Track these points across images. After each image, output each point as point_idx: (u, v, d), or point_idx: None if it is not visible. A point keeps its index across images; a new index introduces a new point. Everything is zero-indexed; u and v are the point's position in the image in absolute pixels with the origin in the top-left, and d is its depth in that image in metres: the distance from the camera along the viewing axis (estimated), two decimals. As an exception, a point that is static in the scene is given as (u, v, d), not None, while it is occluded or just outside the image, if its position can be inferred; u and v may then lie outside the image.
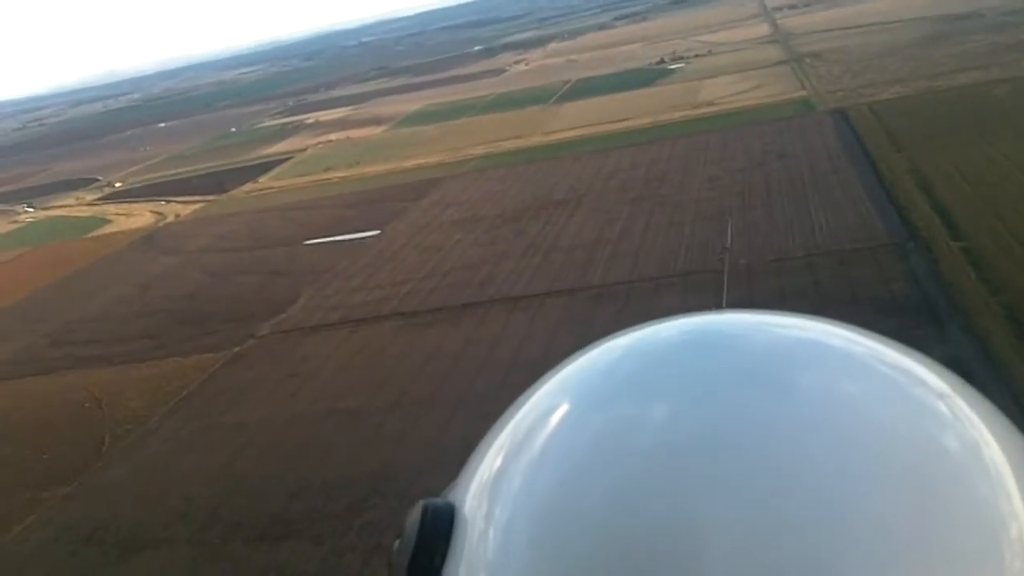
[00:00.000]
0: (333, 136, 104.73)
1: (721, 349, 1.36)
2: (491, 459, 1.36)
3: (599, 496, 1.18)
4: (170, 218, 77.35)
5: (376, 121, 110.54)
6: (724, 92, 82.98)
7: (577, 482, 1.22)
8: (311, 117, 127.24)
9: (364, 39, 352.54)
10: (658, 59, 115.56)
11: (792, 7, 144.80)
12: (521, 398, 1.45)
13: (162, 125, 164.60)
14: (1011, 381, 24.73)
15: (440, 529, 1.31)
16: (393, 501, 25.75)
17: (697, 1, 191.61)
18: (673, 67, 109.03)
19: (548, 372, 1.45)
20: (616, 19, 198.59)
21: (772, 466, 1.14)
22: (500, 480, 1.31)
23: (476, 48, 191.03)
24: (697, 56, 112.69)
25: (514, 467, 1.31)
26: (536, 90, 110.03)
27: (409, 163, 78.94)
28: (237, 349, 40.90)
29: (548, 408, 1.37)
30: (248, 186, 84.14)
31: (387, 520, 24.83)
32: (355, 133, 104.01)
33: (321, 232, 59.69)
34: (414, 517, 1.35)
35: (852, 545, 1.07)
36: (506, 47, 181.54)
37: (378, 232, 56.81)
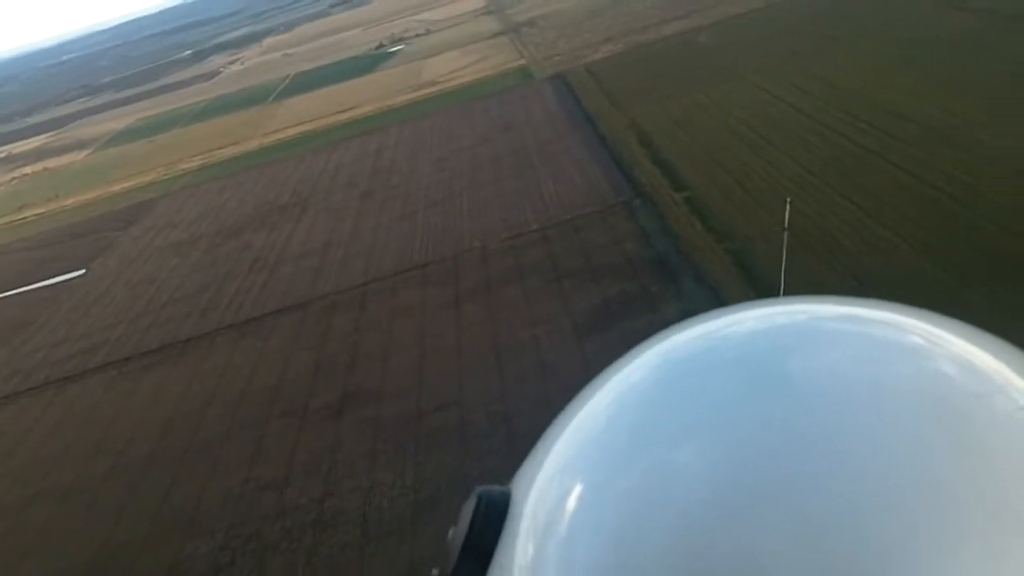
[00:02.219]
0: (28, 169, 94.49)
1: (786, 352, 1.30)
2: (555, 452, 1.32)
3: (660, 510, 1.15)
4: None
5: (79, 145, 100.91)
6: (446, 69, 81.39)
7: (640, 489, 1.18)
8: (2, 151, 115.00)
9: (65, 57, 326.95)
10: (377, 43, 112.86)
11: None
12: (588, 388, 1.39)
13: None
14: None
15: (494, 516, 1.31)
16: (108, 596, 21.90)
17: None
18: (393, 50, 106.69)
19: (616, 362, 1.40)
20: (332, 6, 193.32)
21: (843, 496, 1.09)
22: (560, 473, 1.29)
23: (186, 53, 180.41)
24: (417, 36, 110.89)
25: (575, 463, 1.28)
26: (253, 90, 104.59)
27: (117, 187, 71.96)
28: (-89, 443, 34.61)
29: (613, 406, 1.33)
30: (-74, 243, 73.97)
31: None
32: (54, 162, 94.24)
33: (15, 282, 52.64)
34: (470, 504, 1.35)
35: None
36: (218, 48, 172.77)
37: (83, 271, 50.76)
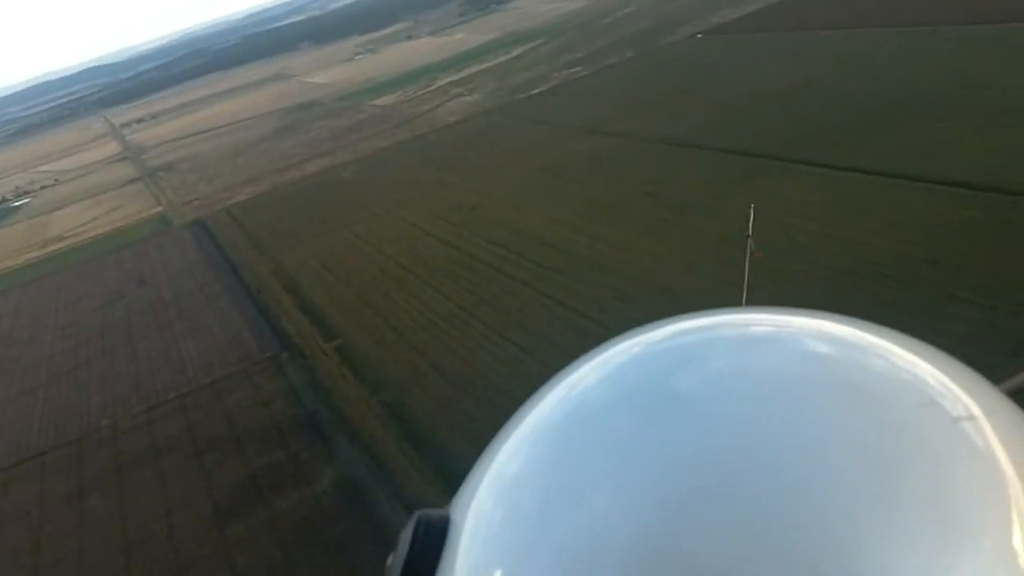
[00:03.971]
0: None
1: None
2: (492, 472, 1.32)
3: (597, 521, 1.14)
4: None
5: None
6: (76, 222, 74.86)
7: (576, 506, 1.18)
8: None
9: None
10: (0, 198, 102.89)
11: (140, 121, 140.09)
12: (525, 408, 1.39)
13: None
14: (405, 492, 21.81)
15: (433, 540, 1.29)
16: None
17: (40, 129, 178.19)
18: (17, 204, 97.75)
19: (553, 379, 1.40)
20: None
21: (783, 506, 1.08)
22: (498, 495, 1.28)
23: None
24: (44, 188, 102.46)
25: (514, 483, 1.28)
26: None
27: None
28: None
29: (550, 423, 1.33)
30: None
31: None
32: None
33: None
34: (408, 528, 1.33)
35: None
36: None
37: None
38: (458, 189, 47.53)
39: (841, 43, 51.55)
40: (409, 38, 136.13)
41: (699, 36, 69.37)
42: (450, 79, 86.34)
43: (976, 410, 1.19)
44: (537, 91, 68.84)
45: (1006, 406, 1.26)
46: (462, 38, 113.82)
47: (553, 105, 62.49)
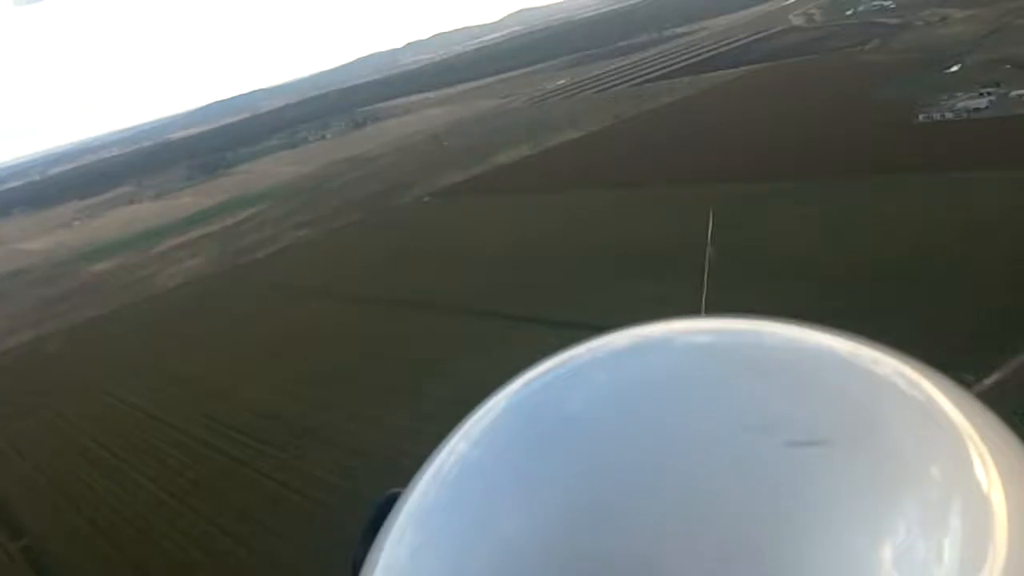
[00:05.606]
0: None
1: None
2: (443, 457, 1.34)
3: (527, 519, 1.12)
4: None
5: None
6: None
7: (512, 498, 1.16)
8: None
9: None
10: None
11: None
12: (485, 403, 1.39)
13: None
14: None
15: (385, 510, 1.37)
16: None
17: None
18: None
19: (517, 376, 1.40)
20: None
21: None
22: (440, 483, 1.30)
23: None
24: None
25: (448, 469, 1.30)
26: None
27: None
28: None
29: (503, 416, 1.35)
30: None
31: None
32: None
33: None
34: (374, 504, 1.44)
35: None
36: None
37: None
38: (173, 359, 44.83)
39: (558, 204, 54.30)
40: (131, 202, 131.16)
41: (426, 199, 71.14)
42: (173, 243, 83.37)
43: (902, 368, 1.19)
44: (263, 254, 67.61)
45: (924, 368, 1.23)
46: (189, 201, 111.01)
47: (279, 268, 61.35)
